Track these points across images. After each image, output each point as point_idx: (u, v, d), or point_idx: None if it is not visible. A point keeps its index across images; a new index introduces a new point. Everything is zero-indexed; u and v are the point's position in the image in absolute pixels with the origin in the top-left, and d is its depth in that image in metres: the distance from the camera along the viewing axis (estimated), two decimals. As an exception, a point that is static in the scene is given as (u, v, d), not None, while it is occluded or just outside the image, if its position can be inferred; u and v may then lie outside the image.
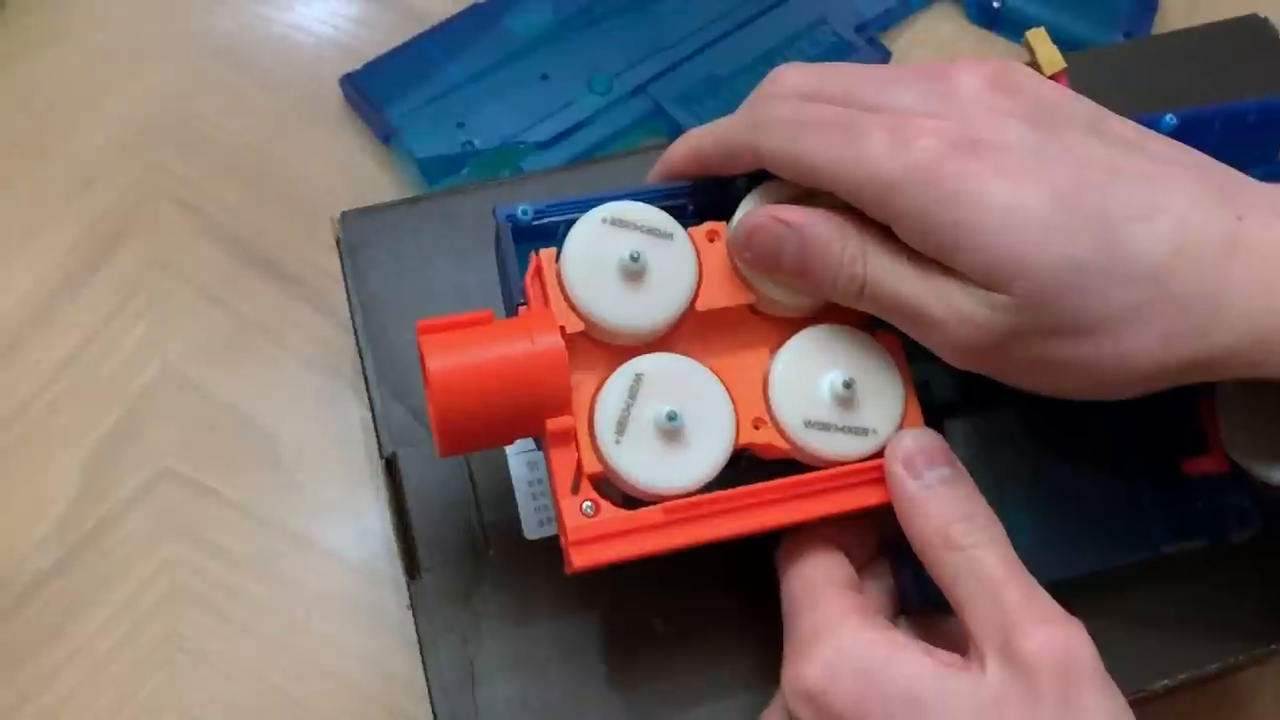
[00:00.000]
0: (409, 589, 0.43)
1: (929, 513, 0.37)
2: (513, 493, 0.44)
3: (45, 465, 0.51)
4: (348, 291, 0.47)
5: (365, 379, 0.46)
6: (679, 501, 0.38)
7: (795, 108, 0.38)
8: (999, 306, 0.35)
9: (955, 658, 0.36)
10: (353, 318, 0.47)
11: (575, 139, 0.55)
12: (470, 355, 0.37)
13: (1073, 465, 0.43)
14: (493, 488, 0.44)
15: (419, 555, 0.44)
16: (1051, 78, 0.50)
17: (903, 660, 0.36)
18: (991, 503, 0.39)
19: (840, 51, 0.57)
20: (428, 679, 0.42)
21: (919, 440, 0.39)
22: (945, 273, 0.36)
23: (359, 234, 0.48)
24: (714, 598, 0.44)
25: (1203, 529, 0.43)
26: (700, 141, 0.41)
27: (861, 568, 0.41)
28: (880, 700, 0.34)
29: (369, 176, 0.56)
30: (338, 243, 0.48)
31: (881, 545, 0.41)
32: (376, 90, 0.55)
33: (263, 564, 0.50)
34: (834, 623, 0.37)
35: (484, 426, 0.37)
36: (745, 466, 0.40)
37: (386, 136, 0.55)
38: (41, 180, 0.55)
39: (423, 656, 0.42)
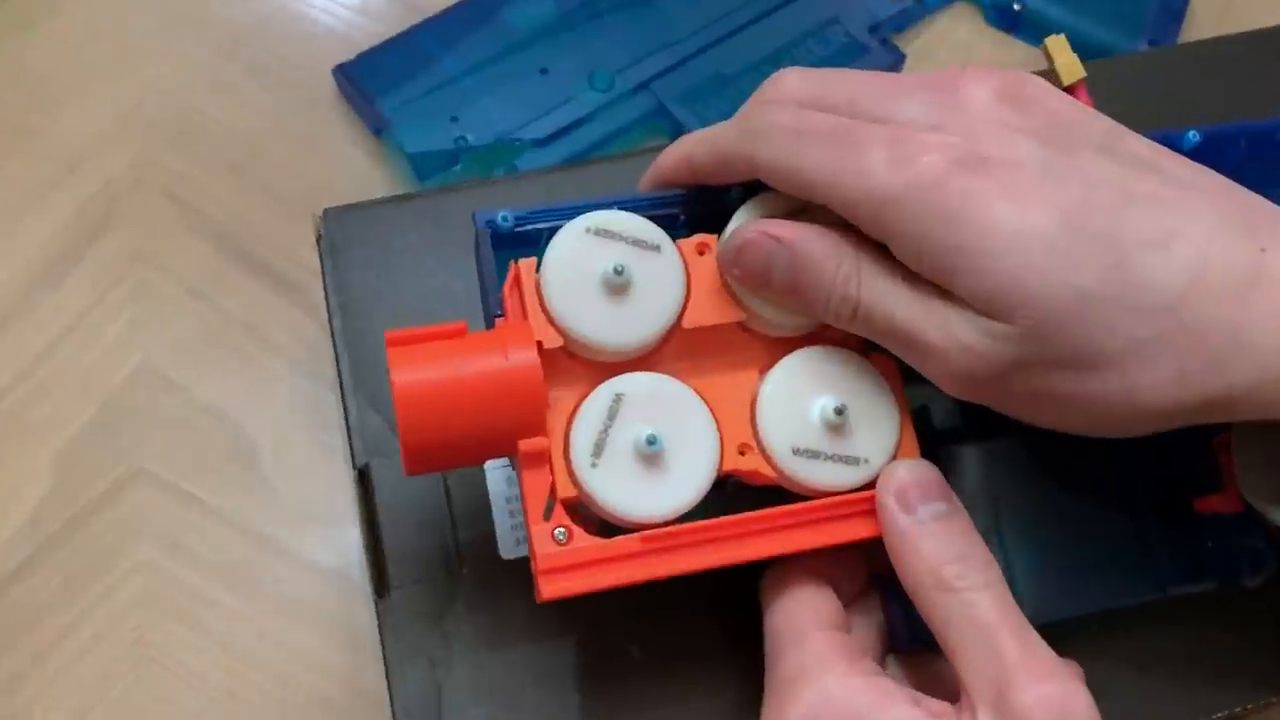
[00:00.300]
0: (376, 607, 0.42)
1: (921, 550, 0.35)
2: (489, 509, 0.42)
3: (17, 459, 0.49)
4: (326, 292, 0.45)
5: (340, 385, 0.44)
6: (657, 531, 0.36)
7: (794, 116, 0.36)
8: (1000, 336, 0.33)
9: (946, 707, 0.34)
10: (330, 320, 0.45)
11: (574, 137, 0.53)
12: (440, 370, 0.35)
13: (1077, 500, 0.41)
14: (469, 504, 0.43)
15: (388, 572, 0.42)
16: (1070, 87, 0.48)
17: (889, 711, 0.34)
18: (990, 538, 0.37)
19: (852, 52, 0.54)
20: (392, 703, 0.40)
21: (913, 472, 0.37)
22: (944, 297, 0.34)
23: (342, 232, 0.46)
24: (696, 625, 0.42)
25: (1214, 571, 0.41)
26: (693, 148, 0.39)
27: (850, 602, 0.39)
28: None
29: (361, 171, 0.54)
30: (318, 241, 0.46)
31: (871, 579, 0.39)
32: (369, 82, 0.53)
33: (236, 572, 0.48)
34: (819, 666, 0.35)
35: (453, 445, 0.35)
36: (731, 491, 0.38)
37: (379, 130, 0.53)
38: (27, 162, 0.54)
39: (388, 679, 0.41)
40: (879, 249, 0.35)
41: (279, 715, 0.46)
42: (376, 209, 0.47)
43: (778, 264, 0.36)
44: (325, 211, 0.46)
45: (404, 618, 0.41)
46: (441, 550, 0.42)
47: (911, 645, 0.38)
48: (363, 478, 0.43)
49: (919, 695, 0.35)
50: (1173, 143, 0.40)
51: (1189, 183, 0.34)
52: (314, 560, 0.48)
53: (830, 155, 0.35)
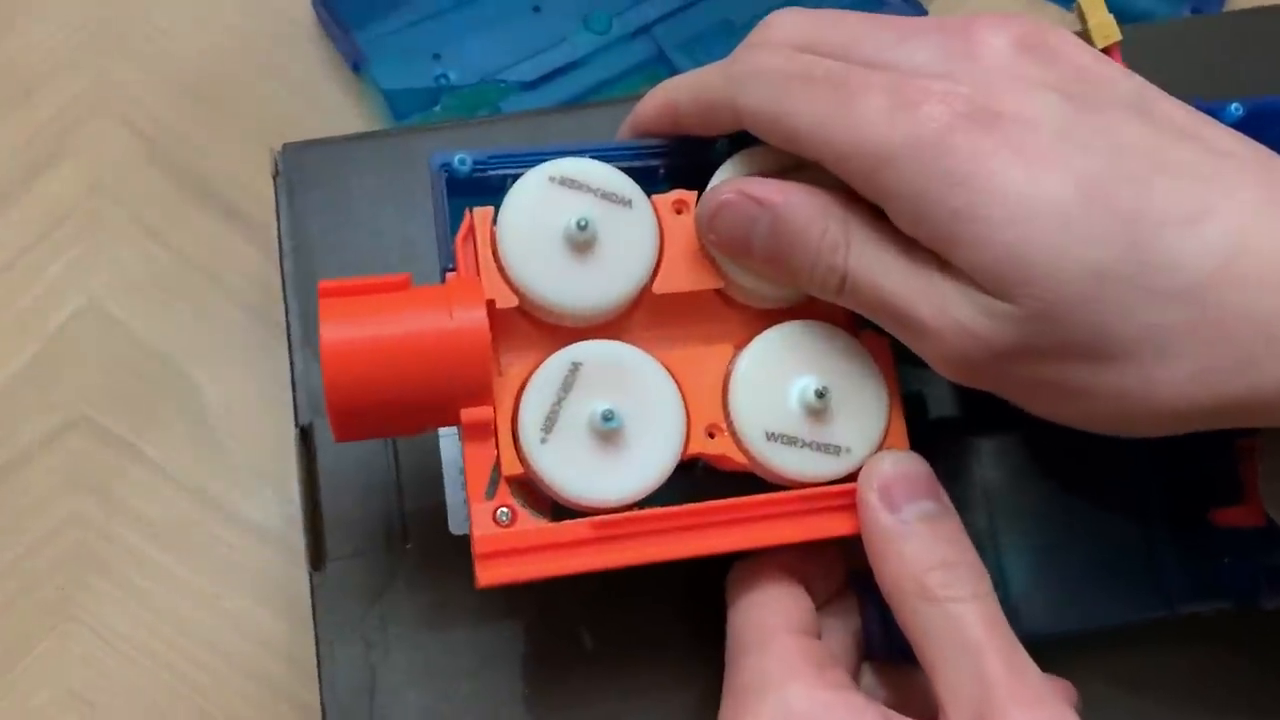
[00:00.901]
0: (311, 580, 0.38)
1: (904, 554, 0.32)
2: (441, 479, 0.39)
3: (-52, 400, 0.46)
4: (279, 234, 0.42)
5: (288, 335, 0.41)
6: (611, 516, 0.32)
7: (784, 59, 0.32)
8: (1001, 316, 0.30)
9: None
10: (282, 264, 0.41)
11: (564, 81, 0.49)
12: (375, 326, 0.31)
13: (1081, 503, 0.37)
14: (419, 471, 0.39)
15: (325, 543, 0.38)
16: (1103, 51, 0.44)
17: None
18: (983, 541, 0.34)
19: (870, 6, 0.50)
20: (321, 685, 0.37)
21: (900, 466, 0.33)
22: (943, 270, 0.31)
23: (300, 170, 0.42)
24: (658, 615, 0.38)
25: (1229, 590, 0.37)
26: (676, 93, 0.35)
27: (823, 604, 0.35)
28: None
29: (335, 108, 0.50)
30: (275, 177, 0.42)
31: (849, 578, 0.36)
32: (348, 11, 0.49)
33: (174, 530, 0.45)
34: (783, 673, 0.32)
35: (386, 411, 0.32)
36: (700, 475, 0.35)
37: (356, 64, 0.49)
38: (-26, 86, 0.50)
39: (318, 660, 0.37)
40: (873, 213, 0.32)
41: (210, 685, 0.43)
42: (340, 146, 0.43)
43: (758, 229, 0.32)
44: (284, 146, 0.43)
45: (339, 594, 0.38)
46: (385, 521, 0.39)
47: (889, 655, 0.35)
48: (305, 437, 0.40)
49: (891, 714, 0.31)
50: (1214, 115, 0.36)
51: (1228, 153, 0.31)
52: (257, 521, 0.45)
53: (821, 102, 0.31)
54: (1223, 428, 0.30)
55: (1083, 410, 0.31)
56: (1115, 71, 0.32)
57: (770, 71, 0.32)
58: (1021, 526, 0.37)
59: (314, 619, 0.38)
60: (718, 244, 0.33)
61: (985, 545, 0.35)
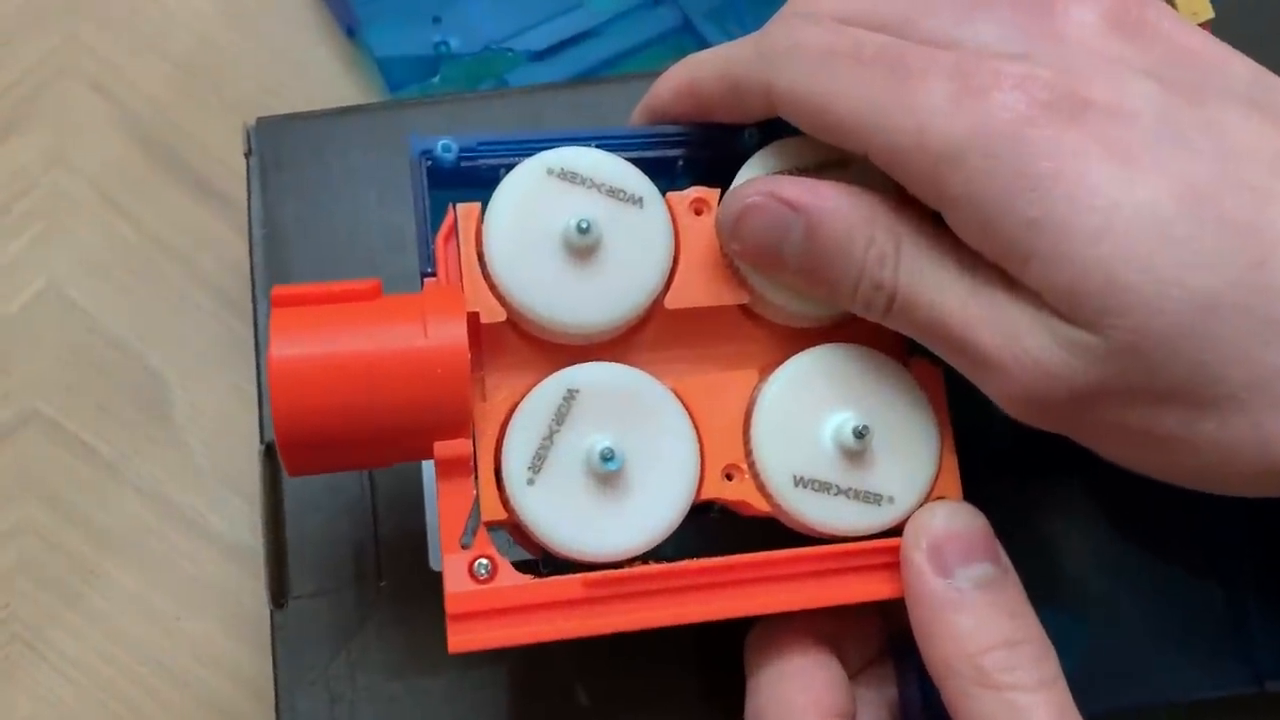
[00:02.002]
0: (272, 619, 0.33)
1: (958, 629, 0.27)
2: (422, 506, 0.34)
3: (-111, 391, 0.41)
4: (250, 220, 0.37)
5: (255, 334, 0.36)
6: (607, 574, 0.27)
7: (828, 33, 0.28)
8: (1082, 351, 0.25)
9: None
10: (251, 253, 0.37)
11: (577, 52, 0.44)
12: (333, 343, 0.27)
13: (1158, 559, 0.33)
14: (397, 497, 0.35)
15: (289, 576, 0.33)
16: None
17: None
18: (1042, 599, 0.29)
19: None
20: (278, 743, 0.32)
21: (953, 521, 0.28)
22: (1011, 290, 0.26)
23: (276, 148, 0.38)
24: (662, 671, 0.33)
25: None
26: (698, 71, 0.30)
27: (858, 671, 0.30)
28: None
29: (326, 78, 0.45)
30: (247, 156, 0.37)
31: (887, 641, 0.31)
32: (342, -31, 0.44)
33: (131, 542, 0.40)
34: None
35: (346, 443, 0.27)
36: (717, 519, 0.30)
37: (351, 29, 0.45)
38: (-69, 45, 0.46)
39: (277, 710, 0.32)
40: (929, 220, 0.27)
41: (160, 715, 0.39)
42: (320, 122, 0.38)
43: (790, 238, 0.28)
44: (258, 121, 0.38)
45: (303, 636, 0.33)
46: (357, 553, 0.34)
47: (930, 734, 0.30)
48: (270, 455, 0.35)
49: None
50: None
51: None
52: (224, 535, 0.40)
53: (872, 87, 0.27)
54: None
55: (1172, 462, 0.27)
56: (1225, 54, 0.28)
57: (812, 48, 0.27)
58: (1083, 583, 0.33)
59: (274, 664, 0.33)
60: (743, 254, 0.29)
61: (1045, 605, 0.30)
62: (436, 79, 0.44)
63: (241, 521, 0.40)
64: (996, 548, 0.28)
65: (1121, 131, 0.25)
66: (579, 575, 0.27)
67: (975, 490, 0.30)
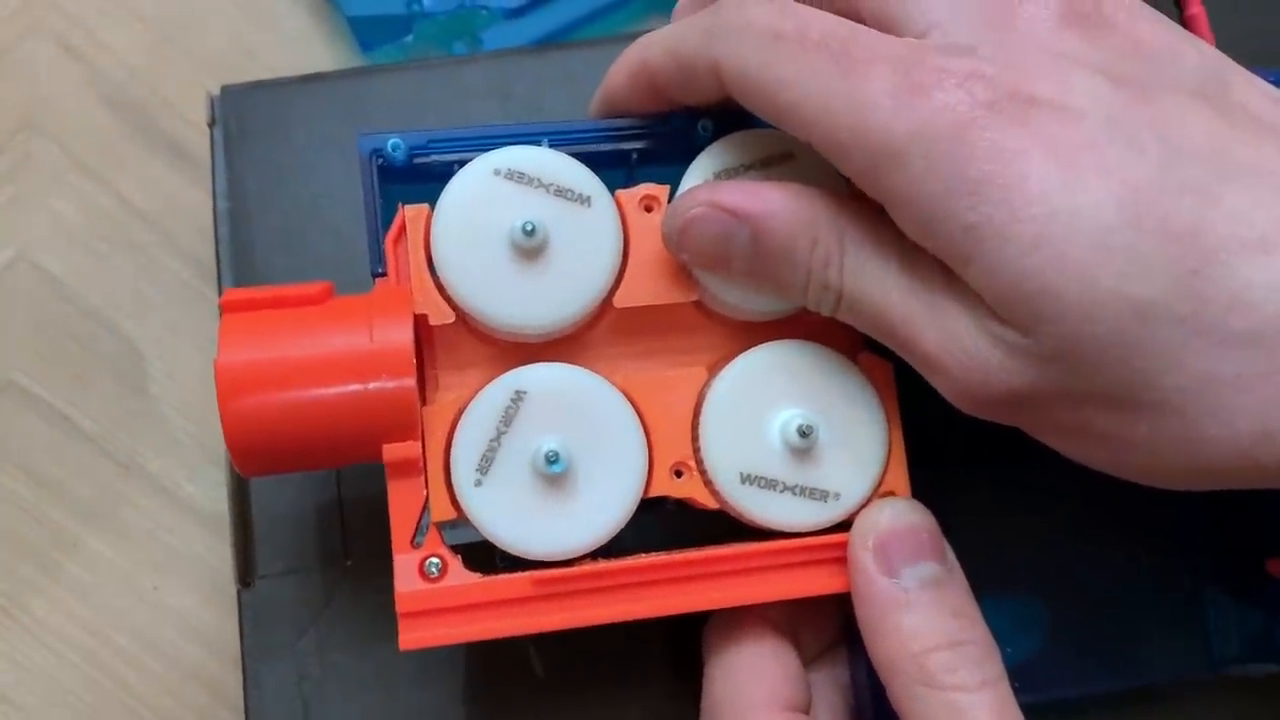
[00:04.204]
0: (239, 598, 0.36)
1: (902, 628, 0.29)
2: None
3: None
4: (214, 192, 0.39)
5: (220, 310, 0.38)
6: (555, 572, 0.29)
7: (776, 11, 0.28)
8: (1018, 353, 0.26)
9: None
10: (216, 228, 0.38)
11: (556, 8, 0.45)
12: (280, 347, 0.29)
13: (1115, 547, 0.34)
14: (364, 476, 0.36)
15: (255, 557, 0.36)
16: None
17: None
18: (1002, 584, 0.31)
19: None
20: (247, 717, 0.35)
21: (900, 520, 0.30)
22: (951, 288, 0.27)
23: (240, 117, 0.39)
24: (629, 648, 0.35)
25: (1282, 651, 0.35)
26: (649, 51, 0.31)
27: (814, 658, 0.32)
28: None
29: (297, 38, 0.47)
30: (210, 126, 0.39)
31: (843, 626, 0.33)
32: (311, -76, 0.46)
33: (110, 513, 0.43)
34: None
35: (296, 447, 0.29)
36: (672, 510, 0.32)
37: (323, -15, 0.46)
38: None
39: (245, 688, 0.35)
40: (873, 214, 0.28)
41: (144, 689, 0.41)
42: (284, 90, 0.40)
43: (736, 246, 0.29)
44: (222, 90, 0.40)
45: (270, 615, 0.35)
46: (323, 533, 0.36)
47: (878, 722, 0.32)
48: (236, 435, 0.37)
49: None
50: None
51: None
52: (201, 506, 0.43)
53: (815, 76, 0.27)
54: None
55: (1109, 458, 0.28)
56: (1181, 43, 0.28)
57: (758, 28, 0.28)
58: (1039, 570, 0.34)
59: (240, 642, 0.35)
60: (691, 263, 0.30)
61: (1005, 591, 0.32)
62: (410, 38, 0.45)
63: (219, 491, 0.42)
64: (943, 546, 0.30)
65: (1066, 132, 0.26)
66: (528, 574, 0.29)
67: (936, 476, 0.32)
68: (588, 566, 0.29)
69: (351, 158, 0.38)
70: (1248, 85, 0.28)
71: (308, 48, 0.46)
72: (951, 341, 0.27)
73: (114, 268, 0.44)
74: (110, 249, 0.45)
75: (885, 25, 0.28)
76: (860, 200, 0.28)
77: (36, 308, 0.44)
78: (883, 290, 0.28)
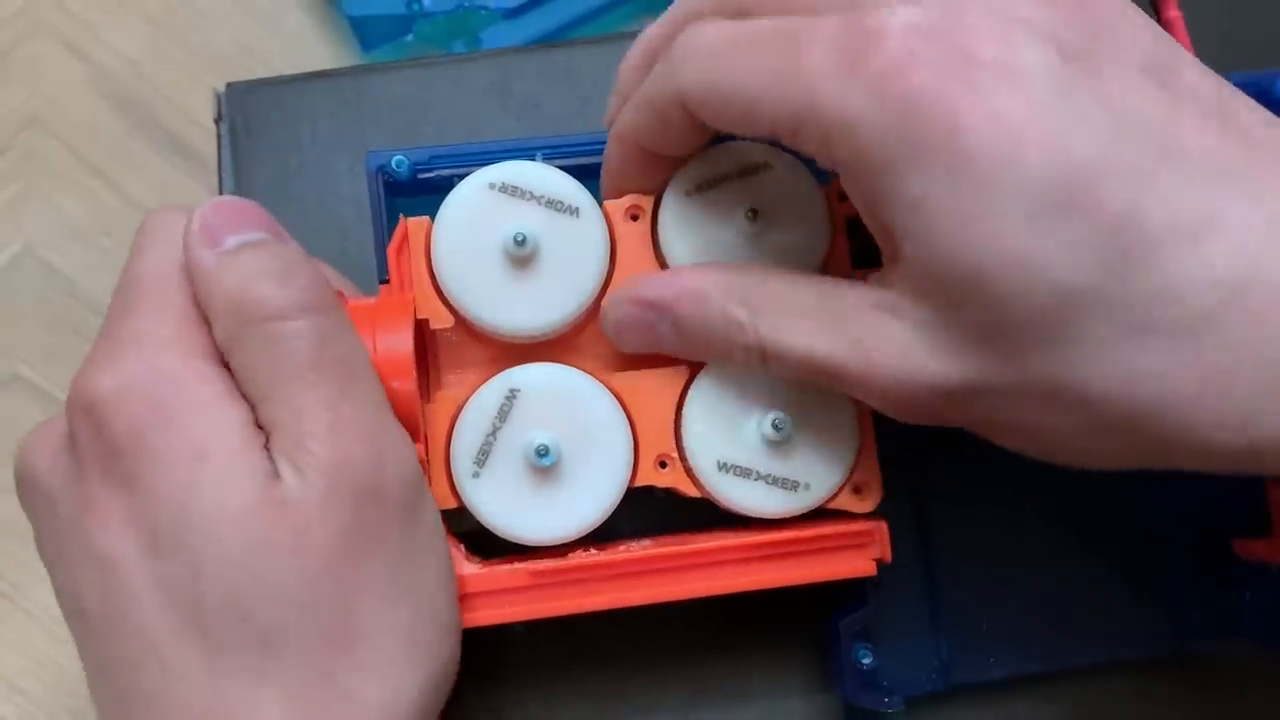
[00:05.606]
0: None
1: (223, 282, 0.31)
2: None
3: None
4: (220, 188, 0.42)
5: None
6: (549, 564, 0.33)
7: (728, 26, 0.31)
8: (944, 344, 0.28)
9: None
10: (222, 228, 0.42)
11: (553, 8, 0.49)
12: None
13: (1085, 525, 0.38)
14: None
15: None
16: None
17: (217, 411, 0.30)
18: (973, 564, 0.35)
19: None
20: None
21: (221, 203, 0.32)
22: (875, 307, 0.30)
23: (245, 114, 0.43)
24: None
25: (1249, 627, 0.38)
26: (624, 127, 0.34)
27: None
28: (165, 445, 0.30)
29: (301, 35, 0.50)
30: (217, 123, 0.43)
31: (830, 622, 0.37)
32: (312, -75, 0.49)
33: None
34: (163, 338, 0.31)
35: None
36: (663, 496, 0.35)
37: (323, -15, 0.50)
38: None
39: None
40: (783, 267, 0.33)
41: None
42: (289, 87, 0.43)
43: (662, 336, 0.33)
44: (228, 87, 0.43)
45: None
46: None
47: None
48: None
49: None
50: (1261, 89, 0.36)
51: (1261, 142, 0.28)
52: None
53: (767, 60, 0.29)
54: (1226, 473, 0.28)
55: (1055, 451, 0.30)
56: (1131, 18, 0.29)
57: (708, 45, 0.31)
58: (1016, 551, 0.38)
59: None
60: (634, 352, 0.34)
61: (976, 570, 0.36)
62: (410, 37, 0.48)
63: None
64: (276, 225, 0.32)
65: (1011, 102, 0.26)
66: (525, 565, 0.33)
67: (908, 465, 0.36)
68: (580, 559, 0.33)
69: (355, 155, 0.42)
70: (1195, 70, 0.29)
71: (309, 47, 0.50)
72: (875, 356, 0.29)
73: (118, 262, 0.47)
74: (114, 244, 0.48)
75: (832, 6, 0.29)
76: (770, 259, 0.33)
77: (42, 302, 0.48)
78: (796, 334, 0.31)
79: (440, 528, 0.32)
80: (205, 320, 0.31)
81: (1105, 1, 0.29)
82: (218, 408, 0.30)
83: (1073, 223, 0.26)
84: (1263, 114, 0.29)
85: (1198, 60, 0.30)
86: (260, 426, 0.31)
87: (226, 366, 0.31)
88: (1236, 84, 0.30)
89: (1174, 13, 0.44)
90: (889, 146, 0.27)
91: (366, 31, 0.49)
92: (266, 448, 0.30)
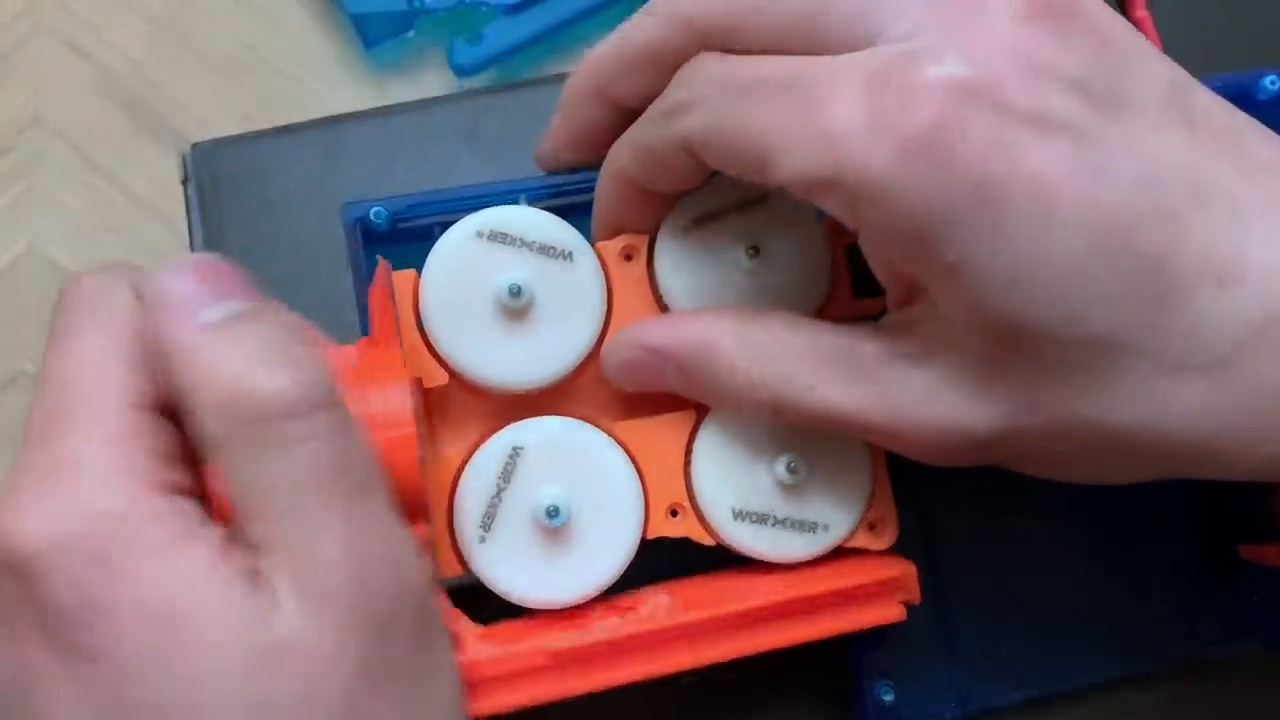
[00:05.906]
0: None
1: (215, 363, 0.26)
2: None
3: None
4: (191, 248, 0.42)
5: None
6: (569, 646, 0.32)
7: (727, 70, 0.29)
8: (972, 396, 0.29)
9: (251, 563, 0.26)
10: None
11: (554, 3, 0.48)
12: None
13: (1091, 539, 0.38)
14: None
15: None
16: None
17: (180, 555, 0.25)
18: (990, 574, 0.36)
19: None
20: None
21: (185, 270, 0.28)
22: (892, 358, 0.30)
23: (213, 173, 0.42)
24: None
25: (1256, 629, 0.38)
26: (619, 162, 0.33)
27: None
28: (125, 604, 0.24)
29: (302, 33, 0.49)
30: (184, 184, 0.42)
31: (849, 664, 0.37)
32: (311, -81, 0.48)
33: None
34: (102, 468, 0.26)
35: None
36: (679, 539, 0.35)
37: (325, -18, 0.49)
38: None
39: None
40: (780, 300, 0.32)
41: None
42: (255, 143, 0.42)
43: (668, 378, 0.32)
44: (193, 147, 0.42)
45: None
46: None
47: None
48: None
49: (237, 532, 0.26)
50: (1243, 92, 0.36)
51: (1268, 164, 0.28)
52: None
53: (778, 113, 0.28)
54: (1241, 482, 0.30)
55: (1065, 474, 0.31)
56: (1145, 49, 0.29)
57: (712, 90, 0.29)
58: (1025, 569, 0.38)
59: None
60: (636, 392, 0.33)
61: (990, 592, 0.36)
62: (411, 34, 0.48)
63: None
64: (251, 290, 0.28)
65: (1046, 161, 0.26)
66: (541, 644, 0.31)
67: (913, 489, 0.36)
68: (600, 630, 0.32)
69: (326, 206, 0.41)
70: (1204, 95, 0.29)
71: (311, 45, 0.49)
72: (904, 407, 0.29)
73: (121, 260, 0.48)
74: (118, 242, 0.48)
75: (844, 42, 0.28)
76: (779, 305, 0.32)
77: (46, 301, 0.47)
78: (819, 394, 0.30)
79: (447, 635, 0.29)
80: (158, 415, 0.27)
81: (1121, 37, 0.28)
82: (182, 550, 0.25)
83: (1109, 271, 0.27)
84: (1263, 133, 0.29)
85: (1199, 82, 0.29)
86: (244, 541, 0.26)
87: (190, 458, 0.27)
88: (1217, 86, 0.30)
89: (1141, 12, 0.44)
90: (921, 213, 0.27)
91: (368, 29, 0.48)
92: (254, 567, 0.26)
